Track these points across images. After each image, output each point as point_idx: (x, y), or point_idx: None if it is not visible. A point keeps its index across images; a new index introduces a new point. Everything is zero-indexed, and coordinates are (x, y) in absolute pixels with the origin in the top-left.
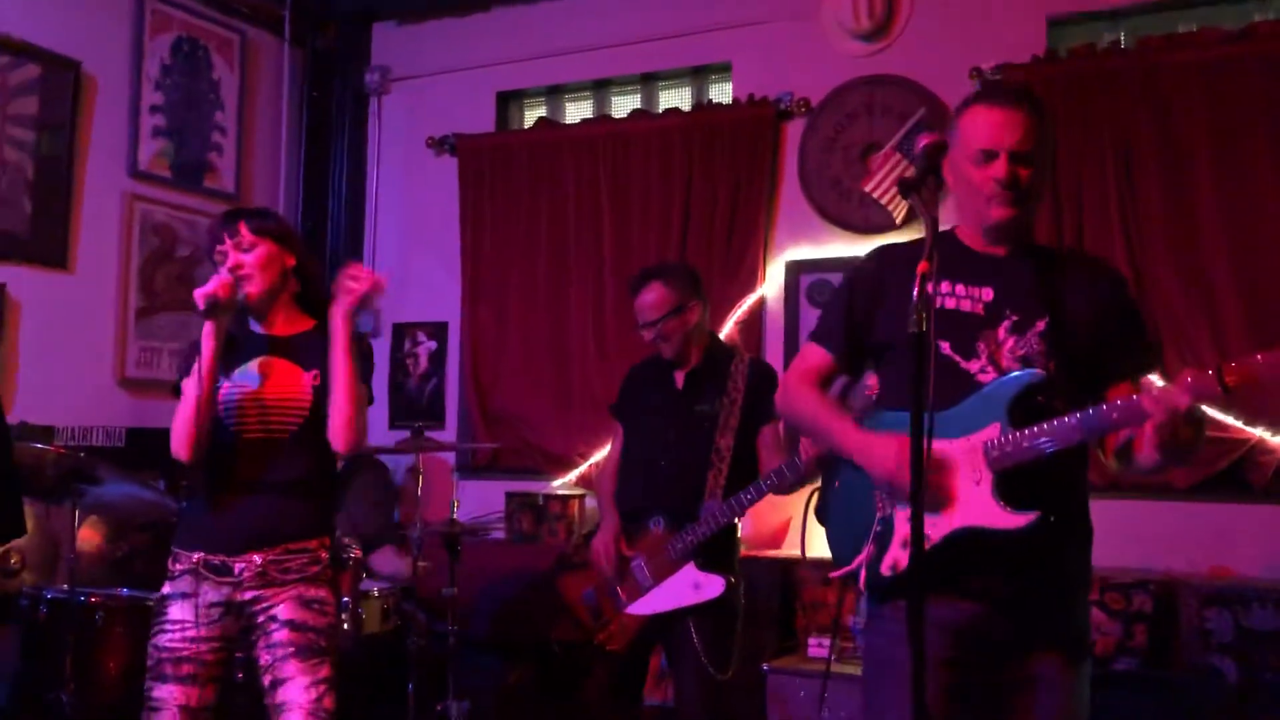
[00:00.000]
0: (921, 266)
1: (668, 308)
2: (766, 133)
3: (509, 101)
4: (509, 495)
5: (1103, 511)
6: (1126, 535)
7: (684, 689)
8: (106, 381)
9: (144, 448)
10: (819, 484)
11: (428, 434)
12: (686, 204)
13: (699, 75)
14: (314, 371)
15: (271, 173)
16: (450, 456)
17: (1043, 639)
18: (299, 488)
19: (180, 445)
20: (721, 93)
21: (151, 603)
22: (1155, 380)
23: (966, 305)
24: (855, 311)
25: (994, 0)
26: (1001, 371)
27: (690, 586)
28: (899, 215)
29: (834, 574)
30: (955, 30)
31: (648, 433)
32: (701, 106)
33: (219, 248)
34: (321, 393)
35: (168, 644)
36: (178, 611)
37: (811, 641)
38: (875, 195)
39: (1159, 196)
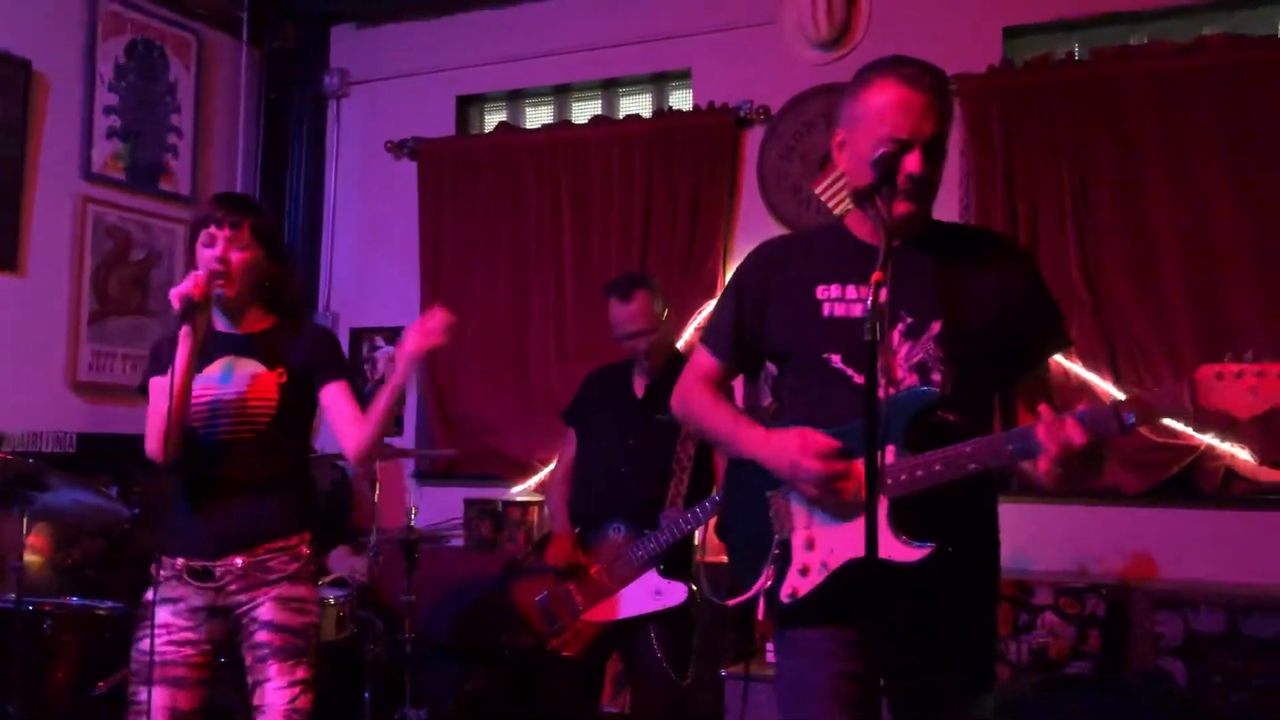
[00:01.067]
0: (875, 275)
1: (654, 318)
2: (726, 140)
3: (469, 106)
4: (468, 502)
5: (1056, 517)
6: (1080, 540)
7: (645, 696)
8: (58, 386)
9: (96, 453)
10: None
11: (385, 440)
12: (647, 210)
13: (659, 82)
14: (279, 369)
15: (228, 175)
16: (408, 463)
17: (944, 660)
18: (273, 486)
19: (154, 446)
20: (682, 99)
21: (103, 611)
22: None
23: (858, 310)
24: (744, 315)
25: (951, 11)
26: (896, 384)
27: (652, 593)
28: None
29: (732, 601)
30: (913, 40)
31: (607, 440)
32: (662, 113)
33: (213, 230)
34: (288, 390)
35: (158, 646)
36: (163, 616)
37: (770, 646)
38: (824, 198)
39: (1113, 206)
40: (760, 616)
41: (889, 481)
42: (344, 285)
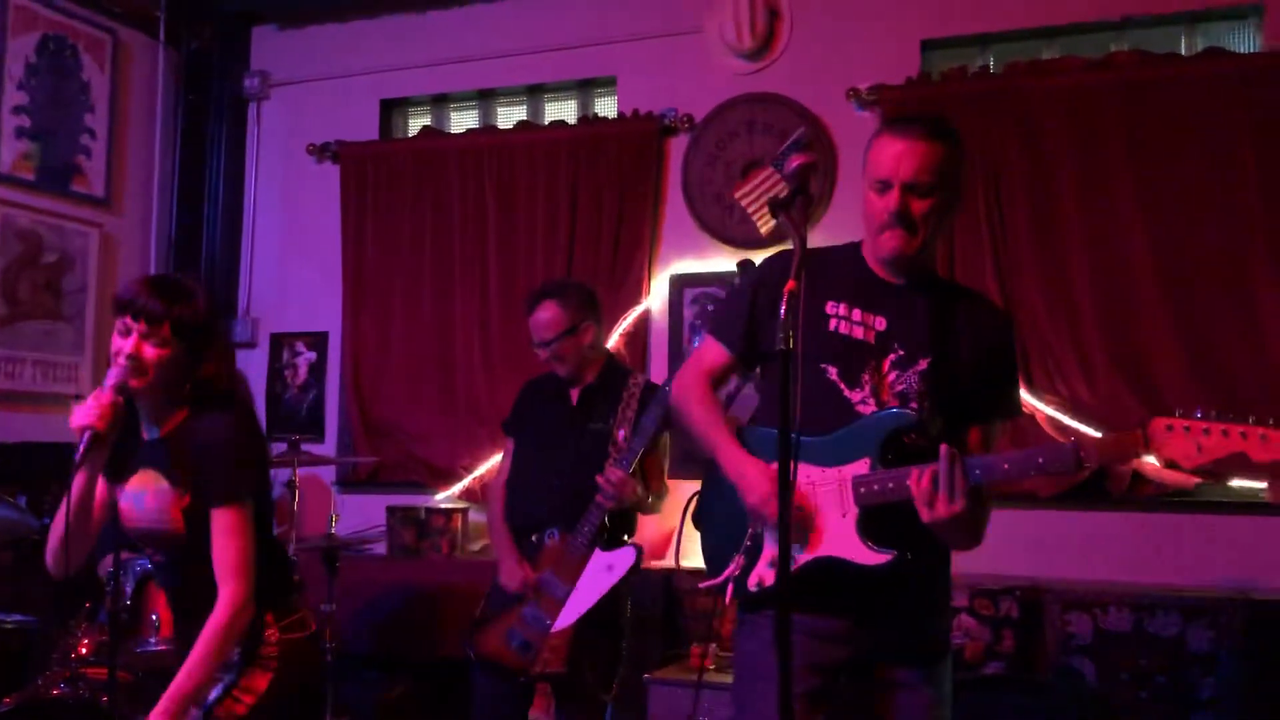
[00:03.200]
0: (789, 285)
1: (561, 328)
2: (651, 147)
3: (393, 109)
4: (390, 509)
5: None
6: (994, 543)
7: (568, 708)
8: None
9: (3, 463)
10: (699, 489)
11: (305, 447)
12: (572, 216)
13: (585, 89)
14: (186, 498)
15: (144, 177)
16: (329, 470)
17: (901, 650)
18: (208, 601)
19: (52, 563)
20: (607, 106)
21: (10, 625)
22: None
23: (859, 332)
24: (758, 311)
25: (871, 23)
26: (881, 405)
27: (604, 570)
28: (765, 228)
29: (703, 584)
30: (833, 51)
31: (542, 449)
32: (587, 120)
33: (129, 321)
34: (193, 515)
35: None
36: None
37: (695, 650)
38: (744, 205)
39: (1026, 215)
40: (727, 601)
41: (861, 490)
42: (264, 290)
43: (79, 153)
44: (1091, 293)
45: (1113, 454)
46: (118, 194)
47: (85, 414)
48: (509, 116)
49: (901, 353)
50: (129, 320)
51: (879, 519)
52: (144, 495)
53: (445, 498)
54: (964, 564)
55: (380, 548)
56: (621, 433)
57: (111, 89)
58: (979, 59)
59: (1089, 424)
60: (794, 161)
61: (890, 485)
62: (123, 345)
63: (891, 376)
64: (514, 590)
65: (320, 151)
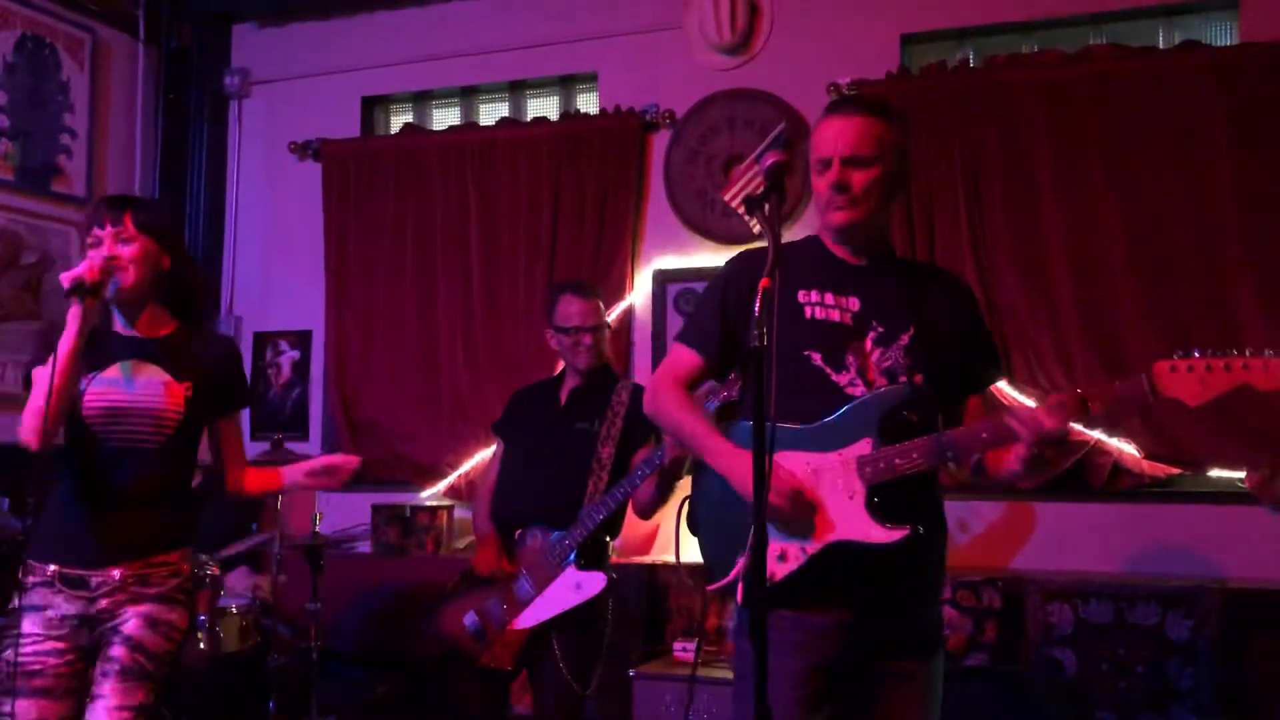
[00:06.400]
0: (763, 282)
1: (601, 319)
2: (632, 143)
3: (375, 107)
4: (375, 508)
5: (953, 512)
6: (977, 534)
7: (544, 704)
8: None
9: None
10: (689, 493)
11: (289, 445)
12: (555, 212)
13: (566, 85)
14: (187, 384)
15: (125, 177)
16: None
17: (902, 642)
18: (164, 499)
19: (29, 431)
20: (588, 102)
21: None
22: (1019, 398)
23: (835, 315)
24: (729, 314)
25: (851, 18)
26: (869, 385)
27: (572, 588)
28: (755, 226)
29: (711, 587)
30: (814, 46)
31: (529, 445)
32: (569, 116)
33: (96, 231)
34: (193, 404)
35: (20, 658)
36: (29, 625)
37: (677, 646)
38: (733, 205)
39: (1004, 207)
40: (739, 601)
41: (868, 470)
42: (246, 289)
43: (59, 152)
44: (1070, 284)
45: (1120, 399)
46: (98, 193)
47: (76, 269)
48: (491, 113)
49: (881, 329)
50: (96, 231)
51: (886, 497)
52: (136, 381)
53: (430, 495)
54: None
55: (365, 546)
56: (606, 450)
57: (91, 88)
58: (958, 53)
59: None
60: (769, 160)
61: (897, 461)
62: (97, 254)
63: (876, 354)
64: (484, 574)
65: (302, 149)
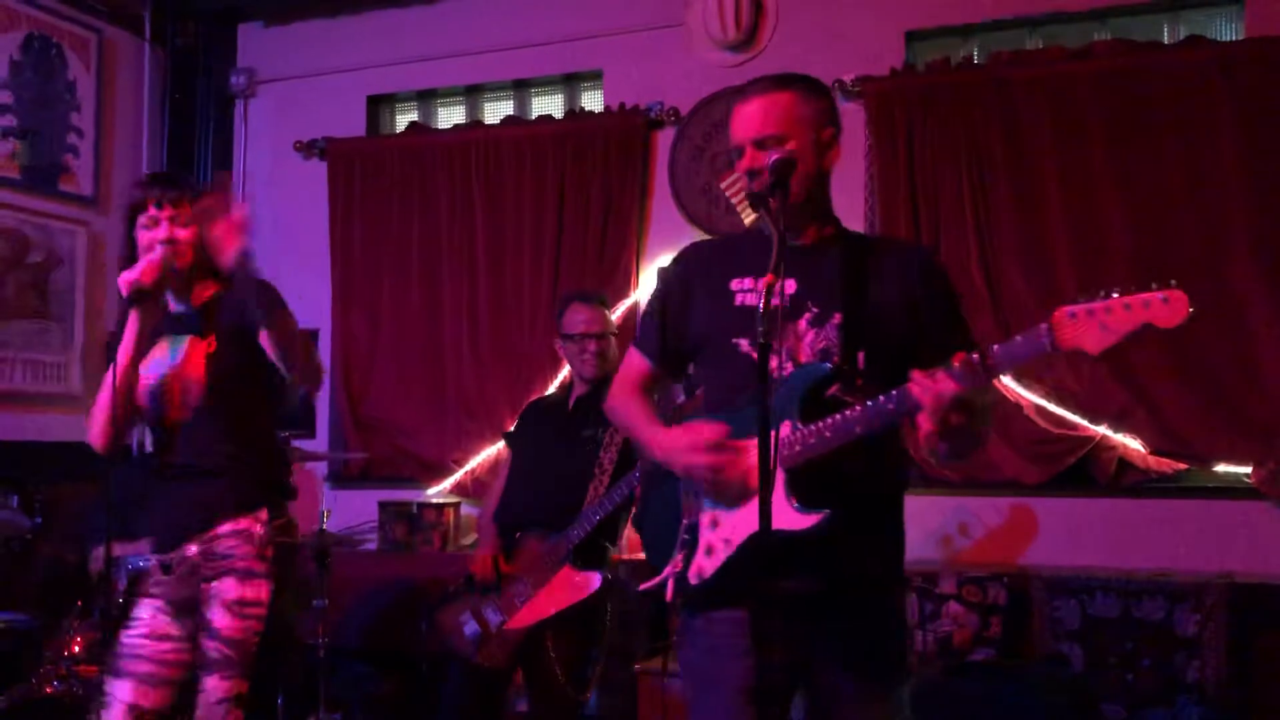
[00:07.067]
0: (767, 279)
1: (608, 326)
2: (637, 141)
3: (380, 105)
4: (382, 504)
5: (960, 508)
6: (982, 530)
7: (539, 704)
8: None
9: None
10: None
11: (296, 443)
12: (560, 210)
13: (571, 83)
14: (209, 338)
15: (132, 176)
16: (320, 466)
17: (852, 650)
18: (219, 465)
19: (93, 436)
20: (593, 100)
21: (3, 624)
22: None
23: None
24: (669, 316)
25: (855, 14)
26: (799, 366)
27: (568, 588)
28: (749, 219)
29: (642, 587)
30: (818, 43)
31: (534, 451)
32: (573, 114)
33: (153, 211)
34: (218, 359)
35: (127, 639)
36: (142, 610)
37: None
38: (729, 195)
39: (1009, 203)
40: (669, 598)
41: (784, 453)
42: None
43: (66, 152)
44: (1075, 279)
45: (1020, 353)
46: (105, 193)
47: (133, 271)
48: (496, 111)
49: (816, 310)
50: (153, 210)
51: (809, 481)
52: (177, 354)
53: (437, 492)
54: (953, 552)
55: (372, 543)
56: (608, 456)
57: (98, 88)
58: (962, 49)
59: (1076, 411)
60: (771, 156)
61: (811, 441)
62: (155, 235)
63: (810, 335)
64: (480, 575)
65: (307, 148)
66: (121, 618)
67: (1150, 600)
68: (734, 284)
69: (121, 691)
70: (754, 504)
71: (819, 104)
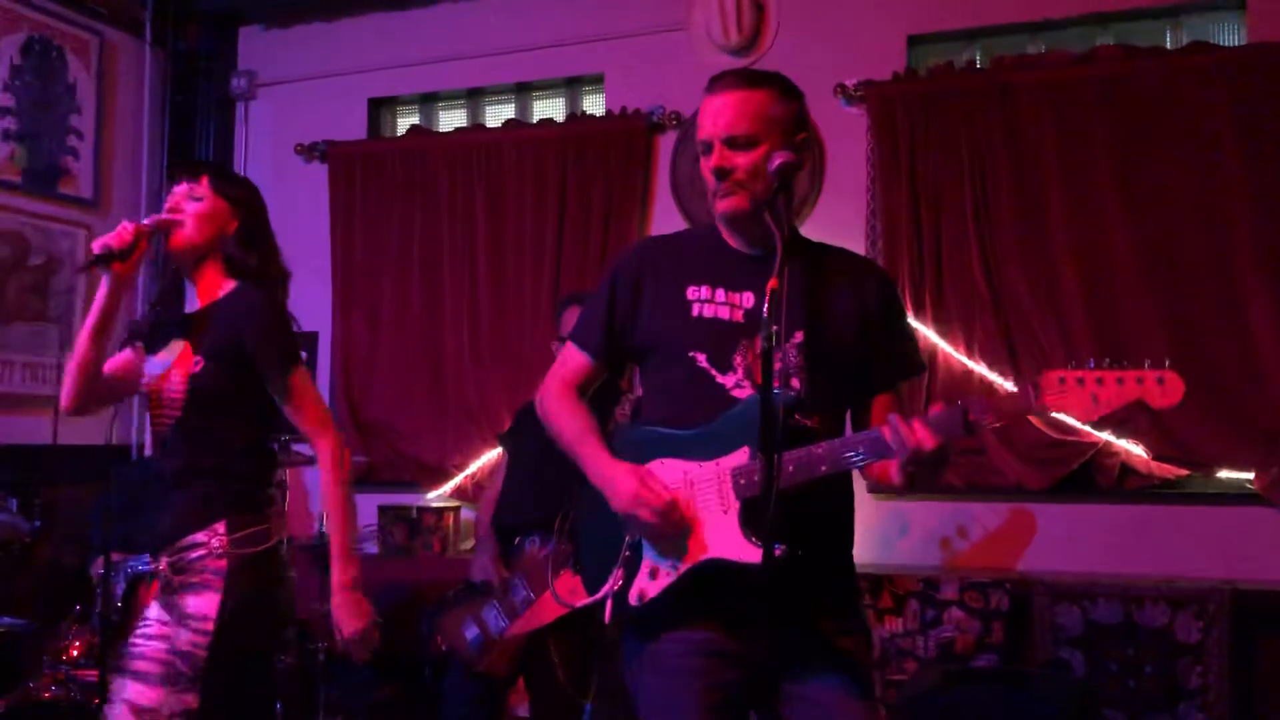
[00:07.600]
0: (771, 284)
1: None
2: (639, 144)
3: (381, 108)
4: (382, 509)
5: (961, 514)
6: (984, 536)
7: (542, 709)
8: None
9: None
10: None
11: (296, 447)
12: (561, 214)
13: (572, 86)
14: (196, 357)
15: (133, 178)
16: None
17: (805, 662)
18: (197, 479)
19: (62, 394)
20: (595, 104)
21: (1, 628)
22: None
23: (725, 313)
24: (616, 311)
25: (857, 19)
26: (757, 388)
27: (568, 593)
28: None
29: (579, 603)
30: (820, 47)
31: (532, 454)
32: (575, 117)
33: (174, 188)
34: (196, 380)
35: (134, 639)
36: (152, 610)
37: None
38: None
39: (1012, 208)
40: (606, 620)
41: (742, 482)
42: None
43: (66, 154)
44: (1077, 285)
45: (1005, 411)
46: (105, 195)
47: (105, 236)
48: (497, 115)
49: (775, 327)
50: (176, 188)
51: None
52: (174, 356)
53: (437, 496)
54: (954, 557)
55: (372, 547)
56: None
57: (98, 90)
58: (965, 54)
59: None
60: (776, 160)
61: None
62: (165, 207)
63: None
64: (479, 581)
65: (308, 151)
66: (121, 621)
67: (1153, 606)
68: (690, 291)
69: (121, 689)
70: (704, 529)
71: (792, 106)
